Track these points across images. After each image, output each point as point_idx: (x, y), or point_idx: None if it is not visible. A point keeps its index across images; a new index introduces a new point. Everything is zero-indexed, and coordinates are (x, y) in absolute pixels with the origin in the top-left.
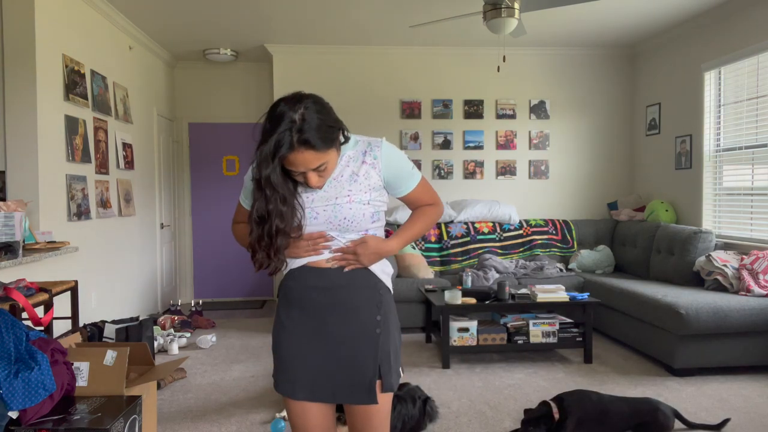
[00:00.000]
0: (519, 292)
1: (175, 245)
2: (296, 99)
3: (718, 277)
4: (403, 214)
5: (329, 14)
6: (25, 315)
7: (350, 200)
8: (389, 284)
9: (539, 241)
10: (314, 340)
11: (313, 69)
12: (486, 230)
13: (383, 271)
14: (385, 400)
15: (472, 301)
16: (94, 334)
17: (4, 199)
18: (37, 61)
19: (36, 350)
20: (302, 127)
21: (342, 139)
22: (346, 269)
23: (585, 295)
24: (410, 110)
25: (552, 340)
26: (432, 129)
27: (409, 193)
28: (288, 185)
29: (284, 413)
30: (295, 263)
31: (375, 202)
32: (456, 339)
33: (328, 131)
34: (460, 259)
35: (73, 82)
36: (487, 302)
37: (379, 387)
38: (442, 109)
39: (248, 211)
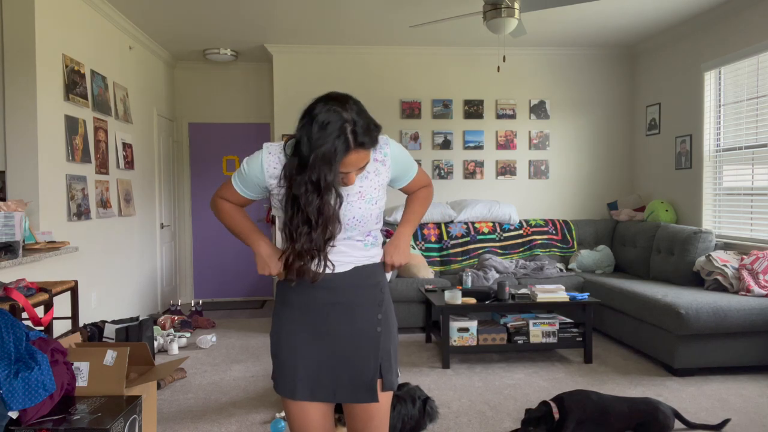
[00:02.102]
0: (519, 292)
1: (175, 245)
2: (343, 100)
3: (718, 277)
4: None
5: (329, 14)
6: (25, 315)
7: (361, 197)
8: (387, 284)
9: (539, 241)
10: (315, 340)
11: (313, 69)
12: (486, 230)
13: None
14: (385, 399)
15: (472, 301)
16: (94, 334)
17: (4, 199)
18: (37, 61)
19: (36, 350)
20: (356, 129)
21: None
22: (399, 263)
23: (585, 295)
24: (410, 110)
25: (552, 340)
26: (432, 129)
27: (410, 182)
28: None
29: (284, 413)
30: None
31: (380, 202)
32: (456, 339)
33: (374, 130)
34: (460, 259)
35: (73, 82)
36: (487, 302)
37: (379, 386)
38: (442, 109)
39: (242, 198)
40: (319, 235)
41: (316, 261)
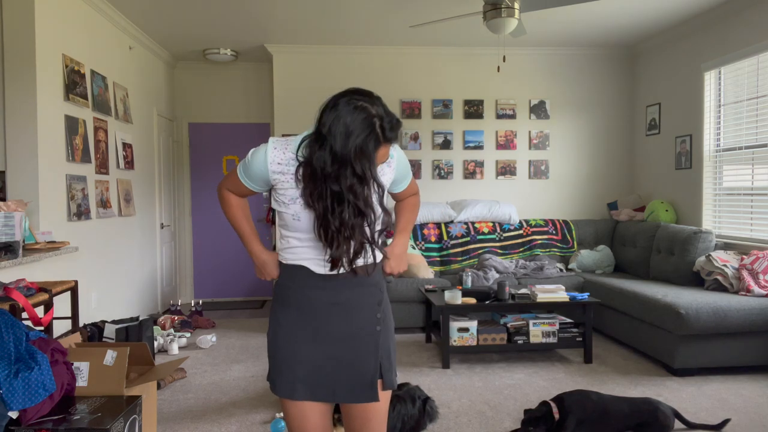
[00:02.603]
0: (519, 292)
1: (175, 245)
2: (369, 95)
3: (718, 277)
4: None
5: (329, 14)
6: (25, 315)
7: None
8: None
9: (539, 241)
10: (314, 340)
11: (313, 69)
12: (486, 230)
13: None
14: (385, 398)
15: (472, 301)
16: (94, 334)
17: (4, 199)
18: (37, 61)
19: (36, 350)
20: (383, 124)
21: None
22: (399, 271)
23: (585, 295)
24: (410, 110)
25: (552, 340)
26: (432, 129)
27: (406, 188)
28: None
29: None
30: (288, 262)
31: (382, 204)
32: (456, 339)
33: (397, 126)
34: (460, 259)
35: (73, 82)
36: (487, 302)
37: (379, 385)
38: (442, 109)
39: (245, 189)
40: (372, 225)
41: (367, 253)
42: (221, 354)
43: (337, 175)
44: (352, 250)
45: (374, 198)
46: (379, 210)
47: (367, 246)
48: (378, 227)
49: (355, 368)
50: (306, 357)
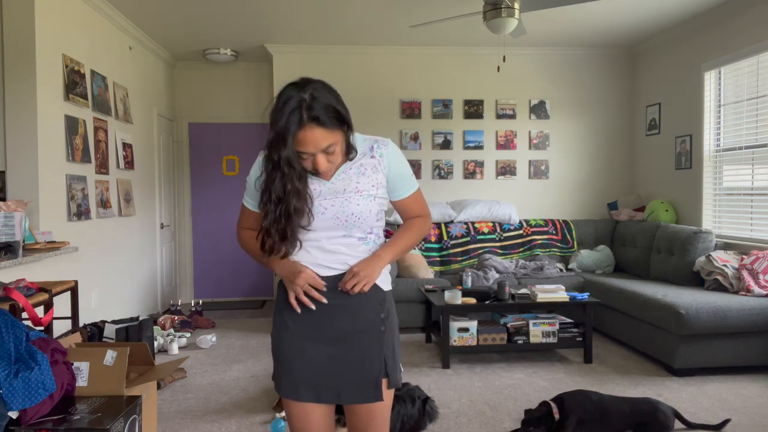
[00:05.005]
0: (519, 292)
1: (175, 245)
2: (304, 82)
3: (718, 277)
4: None
5: (329, 14)
6: (25, 315)
7: (358, 191)
8: (389, 282)
9: (539, 241)
10: (318, 340)
11: (313, 69)
12: (486, 230)
13: (384, 272)
14: (389, 396)
15: (472, 301)
16: (94, 334)
17: (4, 199)
18: (37, 61)
19: (36, 350)
20: (312, 105)
21: (348, 127)
22: (358, 290)
23: (585, 295)
24: (410, 110)
25: (552, 340)
26: (432, 129)
27: (405, 198)
28: (301, 166)
29: (284, 413)
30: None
31: (380, 199)
32: (456, 339)
33: (336, 111)
34: (460, 259)
35: (73, 82)
36: (487, 302)
37: (385, 384)
38: (442, 109)
39: (256, 214)
40: (283, 211)
41: (278, 237)
42: (221, 354)
43: (264, 162)
44: (277, 237)
45: (295, 185)
46: (305, 199)
47: (286, 232)
48: (344, 233)
49: (360, 368)
50: (310, 357)
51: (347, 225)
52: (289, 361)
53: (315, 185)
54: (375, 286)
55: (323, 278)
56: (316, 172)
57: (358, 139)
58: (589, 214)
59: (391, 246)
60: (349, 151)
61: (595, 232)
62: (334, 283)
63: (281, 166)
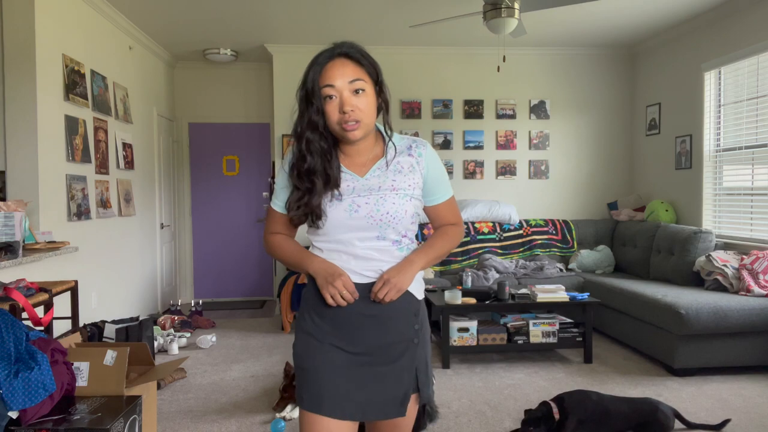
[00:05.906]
0: (519, 292)
1: (175, 245)
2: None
3: (718, 277)
4: None
5: (329, 14)
6: (25, 315)
7: (394, 188)
8: (422, 290)
9: (539, 241)
10: (347, 353)
11: None
12: (486, 230)
13: (418, 279)
14: (414, 411)
15: (472, 301)
16: (94, 334)
17: (4, 199)
18: (37, 61)
19: (36, 350)
20: (342, 44)
21: (379, 87)
22: (390, 299)
23: (585, 295)
24: (410, 110)
25: (552, 340)
26: (432, 129)
27: (440, 204)
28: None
29: (284, 413)
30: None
31: (416, 200)
32: (456, 339)
33: (368, 57)
34: (460, 259)
35: (73, 82)
36: (487, 302)
37: (415, 399)
38: (442, 109)
39: (285, 217)
40: (319, 138)
41: (305, 202)
42: (221, 354)
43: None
44: (303, 201)
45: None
46: (331, 164)
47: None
48: (378, 234)
49: (389, 384)
50: (337, 370)
51: (381, 225)
52: (313, 372)
53: (348, 182)
54: (408, 295)
55: (356, 286)
56: (342, 126)
57: (395, 137)
58: (589, 214)
59: (424, 251)
60: (383, 138)
61: (595, 232)
62: (365, 291)
63: (312, 99)
